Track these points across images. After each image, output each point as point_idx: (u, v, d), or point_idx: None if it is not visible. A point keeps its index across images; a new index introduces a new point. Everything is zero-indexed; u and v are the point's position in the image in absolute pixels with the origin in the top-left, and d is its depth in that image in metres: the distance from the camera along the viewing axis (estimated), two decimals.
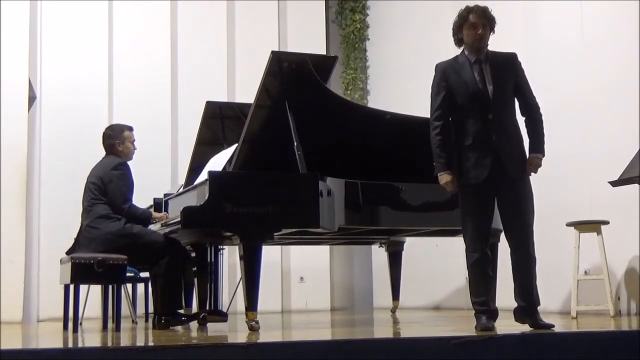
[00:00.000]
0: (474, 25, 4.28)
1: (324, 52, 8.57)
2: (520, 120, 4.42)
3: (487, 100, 4.25)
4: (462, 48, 4.39)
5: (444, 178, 4.31)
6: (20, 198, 6.95)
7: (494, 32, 4.36)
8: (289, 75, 5.03)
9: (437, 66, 4.40)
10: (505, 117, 4.29)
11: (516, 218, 4.27)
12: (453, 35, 4.39)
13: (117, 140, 5.43)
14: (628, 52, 5.85)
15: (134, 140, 5.53)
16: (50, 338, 4.92)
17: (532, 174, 4.32)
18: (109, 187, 5.22)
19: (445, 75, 4.34)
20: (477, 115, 4.26)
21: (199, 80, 8.09)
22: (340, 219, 5.02)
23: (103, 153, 5.54)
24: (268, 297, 7.20)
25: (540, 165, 4.31)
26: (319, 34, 8.95)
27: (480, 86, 4.26)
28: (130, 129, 5.53)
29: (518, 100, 4.39)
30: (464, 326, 4.81)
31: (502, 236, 4.82)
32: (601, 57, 6.09)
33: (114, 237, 5.10)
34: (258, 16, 8.65)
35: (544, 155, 4.32)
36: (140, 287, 6.54)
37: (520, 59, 4.44)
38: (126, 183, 5.27)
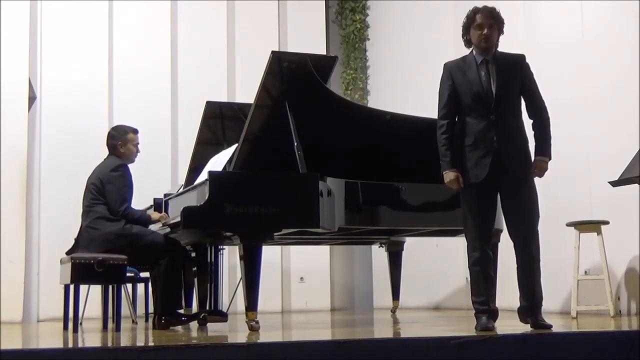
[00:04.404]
0: (480, 26, 4.28)
1: (324, 52, 8.57)
2: (528, 122, 4.40)
3: (490, 101, 4.24)
4: (471, 49, 4.38)
5: (448, 176, 4.30)
6: (20, 198, 6.95)
7: (502, 33, 4.35)
8: (289, 75, 5.02)
9: (445, 65, 4.41)
10: (509, 118, 4.26)
11: (519, 219, 4.25)
12: (462, 37, 4.39)
13: (119, 141, 5.39)
14: (628, 52, 5.85)
15: (138, 144, 5.46)
16: (50, 338, 4.92)
17: (537, 177, 4.31)
18: (106, 188, 5.20)
19: (451, 74, 4.34)
20: (480, 115, 4.25)
21: (199, 80, 8.09)
22: (340, 219, 5.02)
23: (103, 153, 5.52)
24: (268, 297, 7.22)
25: (546, 169, 4.28)
26: (319, 34, 8.95)
27: (484, 86, 4.25)
28: (135, 131, 5.48)
29: (525, 102, 4.37)
30: (464, 326, 4.81)
31: (503, 236, 4.82)
32: (601, 57, 6.09)
33: (114, 237, 5.09)
34: (258, 16, 8.66)
35: (550, 159, 4.29)
36: (140, 287, 6.54)
37: None
38: (125, 185, 5.24)
